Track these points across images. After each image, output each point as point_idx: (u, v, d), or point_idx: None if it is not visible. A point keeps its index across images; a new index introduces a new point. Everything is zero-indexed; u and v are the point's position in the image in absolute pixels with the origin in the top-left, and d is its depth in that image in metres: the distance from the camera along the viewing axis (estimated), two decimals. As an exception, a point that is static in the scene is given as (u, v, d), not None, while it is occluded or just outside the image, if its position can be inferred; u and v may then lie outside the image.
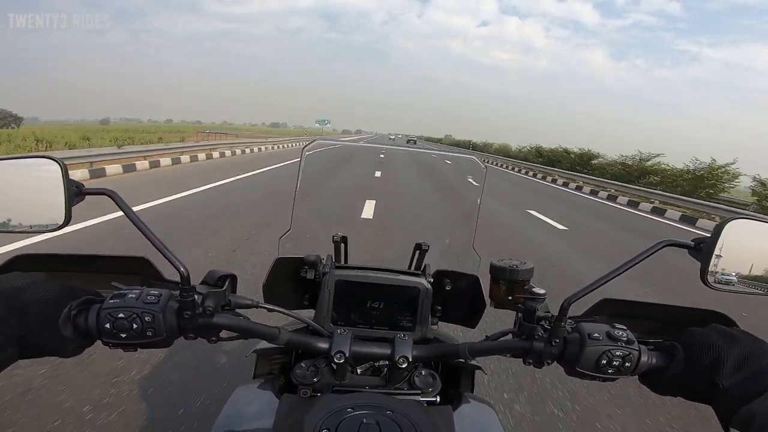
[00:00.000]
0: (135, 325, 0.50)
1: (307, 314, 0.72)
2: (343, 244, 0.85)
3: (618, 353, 0.52)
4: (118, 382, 1.98)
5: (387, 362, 0.67)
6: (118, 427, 1.70)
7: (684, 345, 0.52)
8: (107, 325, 0.50)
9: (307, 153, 0.83)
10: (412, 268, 0.84)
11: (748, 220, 0.51)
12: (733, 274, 0.52)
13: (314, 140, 0.85)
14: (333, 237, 0.85)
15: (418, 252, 0.85)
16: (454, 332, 0.82)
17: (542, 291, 0.62)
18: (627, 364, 0.52)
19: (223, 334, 0.58)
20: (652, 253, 0.52)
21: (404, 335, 0.64)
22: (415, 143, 58.67)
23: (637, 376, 0.55)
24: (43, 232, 0.56)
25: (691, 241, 0.53)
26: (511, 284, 0.64)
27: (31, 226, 0.56)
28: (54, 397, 1.83)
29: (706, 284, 0.52)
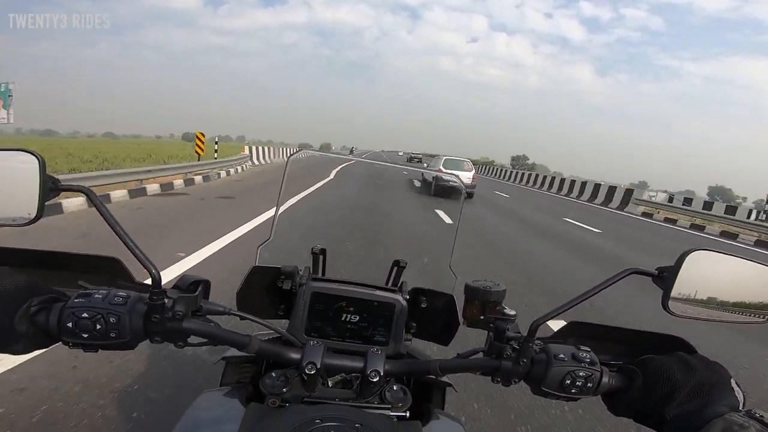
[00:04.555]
0: (98, 326, 0.50)
1: (281, 324, 0.71)
2: (321, 256, 0.85)
3: (581, 374, 0.54)
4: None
5: (358, 375, 0.67)
6: None
7: (644, 371, 0.54)
8: (69, 324, 0.49)
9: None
10: (389, 284, 0.84)
11: (707, 251, 0.54)
12: (693, 301, 0.54)
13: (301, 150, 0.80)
14: (312, 249, 0.85)
15: (395, 268, 0.85)
16: (428, 348, 0.82)
17: (513, 312, 0.63)
18: (589, 384, 0.54)
19: (192, 339, 0.57)
20: (617, 280, 0.54)
21: (377, 349, 0.64)
22: (420, 161, 45.11)
23: (600, 396, 0.57)
24: (12, 225, 0.54)
25: (655, 269, 0.55)
26: (484, 304, 0.66)
27: (0, 219, 0.54)
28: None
29: (667, 311, 0.54)
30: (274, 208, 0.86)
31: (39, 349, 0.52)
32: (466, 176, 12.89)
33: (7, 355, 0.50)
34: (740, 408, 0.49)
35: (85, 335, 0.50)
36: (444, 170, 11.75)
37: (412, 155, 51.22)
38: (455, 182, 11.90)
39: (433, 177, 11.89)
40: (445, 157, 14.05)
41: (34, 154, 0.54)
